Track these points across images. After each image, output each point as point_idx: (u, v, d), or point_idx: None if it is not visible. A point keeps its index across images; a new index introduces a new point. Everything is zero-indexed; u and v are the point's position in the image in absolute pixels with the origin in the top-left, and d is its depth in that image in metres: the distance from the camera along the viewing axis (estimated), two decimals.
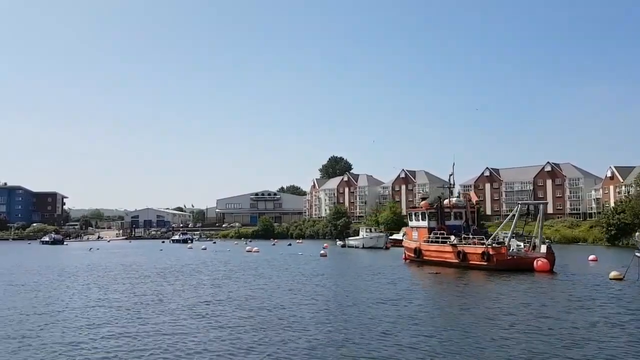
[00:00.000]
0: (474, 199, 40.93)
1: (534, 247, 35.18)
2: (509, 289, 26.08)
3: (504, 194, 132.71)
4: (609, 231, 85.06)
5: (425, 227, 41.38)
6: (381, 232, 78.81)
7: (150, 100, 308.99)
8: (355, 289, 26.25)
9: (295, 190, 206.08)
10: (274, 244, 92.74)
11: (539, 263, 32.93)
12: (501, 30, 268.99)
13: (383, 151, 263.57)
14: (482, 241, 35.42)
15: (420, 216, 42.55)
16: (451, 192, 43.87)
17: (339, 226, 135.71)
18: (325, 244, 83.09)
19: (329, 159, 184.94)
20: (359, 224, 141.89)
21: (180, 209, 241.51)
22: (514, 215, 36.56)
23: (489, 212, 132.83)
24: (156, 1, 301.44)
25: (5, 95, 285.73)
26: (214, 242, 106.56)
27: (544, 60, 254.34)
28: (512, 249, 34.62)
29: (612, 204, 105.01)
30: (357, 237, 78.43)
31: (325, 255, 53.57)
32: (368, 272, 35.06)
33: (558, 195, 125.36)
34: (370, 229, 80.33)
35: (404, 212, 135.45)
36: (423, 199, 48.00)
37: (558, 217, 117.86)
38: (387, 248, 70.35)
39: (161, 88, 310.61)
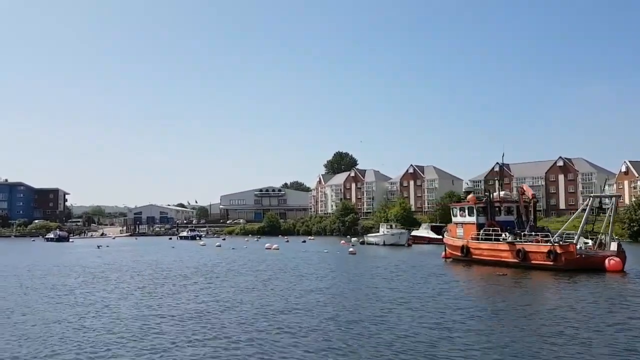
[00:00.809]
0: (529, 192, 37.79)
1: (601, 244, 32.31)
2: (598, 292, 23.27)
3: (514, 189, 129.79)
4: (631, 227, 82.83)
5: (473, 223, 38.34)
6: (403, 228, 75.65)
7: (150, 99, 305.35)
8: (430, 291, 23.36)
9: (299, 187, 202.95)
10: (287, 241, 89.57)
11: (611, 262, 30.08)
12: (509, 25, 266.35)
13: (389, 147, 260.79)
14: (546, 238, 32.46)
15: (467, 211, 39.45)
16: (501, 185, 40.88)
17: (347, 222, 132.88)
18: (342, 241, 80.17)
19: (334, 154, 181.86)
20: (367, 220, 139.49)
21: (182, 205, 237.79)
22: (583, 209, 33.60)
23: None
24: (156, 1, 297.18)
25: (6, 94, 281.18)
26: (224, 239, 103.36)
27: (554, 55, 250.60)
28: (580, 247, 31.71)
29: (627, 199, 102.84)
30: (377, 234, 75.06)
31: (355, 253, 50.58)
32: (421, 273, 32.06)
33: (570, 191, 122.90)
34: (391, 225, 76.87)
35: (413, 207, 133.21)
36: (468, 192, 45.23)
37: (571, 213, 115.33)
38: (409, 245, 67.35)
39: (161, 87, 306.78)
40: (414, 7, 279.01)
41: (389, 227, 75.51)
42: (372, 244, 71.63)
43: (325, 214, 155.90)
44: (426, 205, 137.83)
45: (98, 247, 73.04)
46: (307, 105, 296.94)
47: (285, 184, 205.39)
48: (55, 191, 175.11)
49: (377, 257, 47.46)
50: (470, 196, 42.34)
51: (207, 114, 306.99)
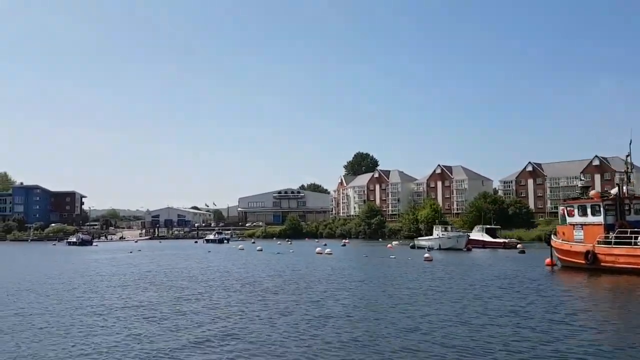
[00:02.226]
0: None
1: None
2: None
3: (548, 190, 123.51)
4: None
5: (600, 224, 31.86)
6: (461, 230, 68.67)
7: (165, 100, 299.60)
8: (579, 314, 17.10)
9: (316, 189, 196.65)
10: (325, 245, 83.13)
11: None
12: (532, 19, 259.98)
13: (410, 147, 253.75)
14: None
15: (589, 210, 32.87)
16: (629, 179, 34.34)
17: (373, 225, 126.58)
18: (388, 245, 73.66)
19: (355, 155, 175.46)
20: (392, 223, 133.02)
21: (196, 208, 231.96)
22: None
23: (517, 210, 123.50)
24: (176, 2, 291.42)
25: (20, 96, 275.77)
26: (253, 242, 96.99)
27: (586, 50, 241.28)
28: None
29: None
30: (431, 237, 67.98)
31: (431, 260, 43.98)
32: (561, 287, 25.75)
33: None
34: (446, 228, 69.29)
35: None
36: (585, 187, 38.54)
37: None
38: (468, 249, 60.57)
39: (177, 88, 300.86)
40: (439, 3, 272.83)
41: (444, 229, 68.38)
42: (425, 247, 64.68)
43: (348, 216, 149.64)
44: (455, 206, 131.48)
45: (130, 252, 66.95)
46: (323, 106, 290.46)
47: (302, 186, 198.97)
48: (72, 194, 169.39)
49: (463, 265, 40.70)
50: (594, 192, 35.92)
51: (222, 115, 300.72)
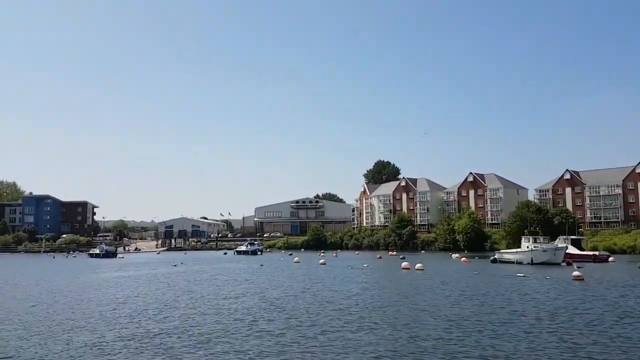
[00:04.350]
0: None
1: None
2: None
3: (587, 199, 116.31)
4: None
5: None
6: (559, 242, 59.21)
7: (174, 107, 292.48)
8: None
9: (331, 198, 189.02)
10: (379, 257, 75.57)
11: None
12: (563, 26, 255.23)
13: (435, 155, 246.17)
14: None
15: None
16: None
17: (405, 236, 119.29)
18: (463, 258, 65.64)
19: (376, 163, 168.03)
20: (422, 233, 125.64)
21: (204, 218, 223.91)
22: None
23: (563, 220, 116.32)
24: (189, 6, 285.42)
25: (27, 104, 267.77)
26: (290, 254, 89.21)
27: (620, 57, 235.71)
28: None
29: None
30: (519, 250, 59.18)
31: (582, 279, 35.46)
32: None
33: None
34: (536, 239, 59.74)
35: None
36: None
37: None
38: (568, 264, 52.14)
39: (189, 96, 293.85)
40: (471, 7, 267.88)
41: (534, 240, 59.04)
42: (510, 262, 56.75)
43: (372, 226, 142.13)
44: (489, 216, 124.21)
45: (174, 265, 59.24)
46: (338, 114, 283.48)
47: (318, 195, 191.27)
48: (84, 204, 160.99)
49: (620, 285, 32.22)
50: None
51: (233, 124, 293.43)
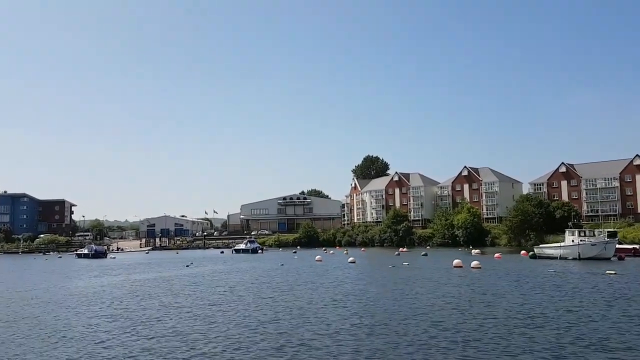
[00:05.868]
0: None
1: None
2: None
3: (584, 192, 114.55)
4: None
5: None
6: (608, 234, 53.25)
7: (156, 105, 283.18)
8: None
9: (317, 194, 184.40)
10: (397, 254, 71.04)
11: None
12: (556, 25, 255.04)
13: (421, 149, 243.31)
14: None
15: None
16: None
17: (400, 231, 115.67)
18: (474, 251, 62.51)
19: (364, 159, 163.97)
20: (417, 228, 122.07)
21: (184, 216, 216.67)
22: None
23: (565, 213, 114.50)
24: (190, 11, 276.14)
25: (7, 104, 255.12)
26: (294, 252, 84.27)
27: (624, 55, 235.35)
28: None
29: None
30: (563, 244, 54.42)
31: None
32: None
33: None
34: (584, 232, 55.45)
35: None
36: None
37: None
38: (621, 258, 48.46)
39: (170, 93, 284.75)
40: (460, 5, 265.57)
41: (581, 233, 54.55)
42: (553, 257, 52.77)
43: (364, 222, 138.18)
44: (485, 210, 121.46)
45: (187, 265, 53.90)
46: (325, 112, 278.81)
47: (303, 192, 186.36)
48: (62, 203, 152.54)
49: None
50: None
51: (215, 121, 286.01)
